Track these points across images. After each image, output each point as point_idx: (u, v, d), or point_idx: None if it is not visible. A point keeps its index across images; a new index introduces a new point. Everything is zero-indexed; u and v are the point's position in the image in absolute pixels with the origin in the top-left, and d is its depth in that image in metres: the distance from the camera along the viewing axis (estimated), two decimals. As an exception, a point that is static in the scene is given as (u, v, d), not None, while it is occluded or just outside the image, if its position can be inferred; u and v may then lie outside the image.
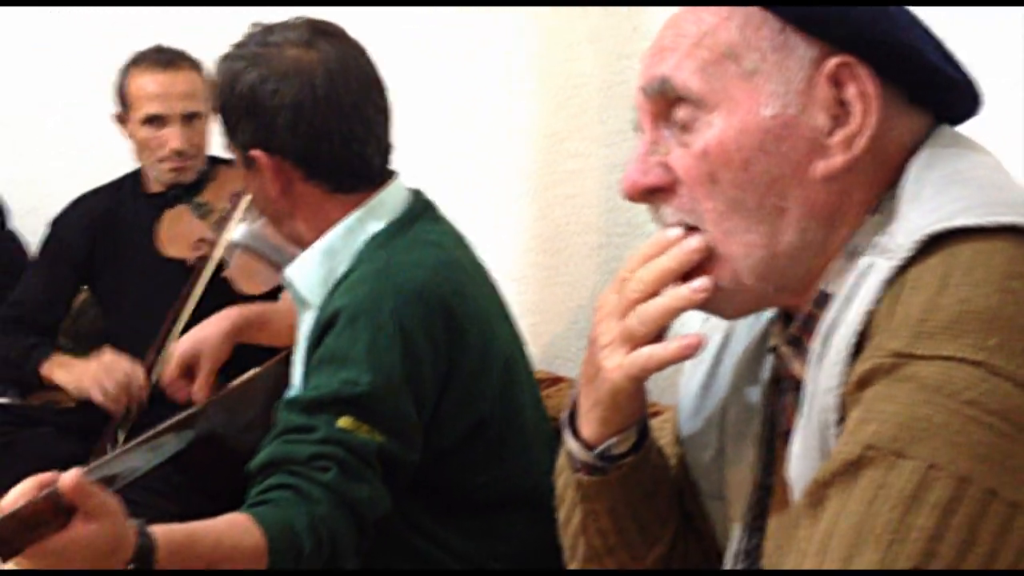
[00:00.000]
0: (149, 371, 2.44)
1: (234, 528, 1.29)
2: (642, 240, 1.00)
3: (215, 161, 2.64)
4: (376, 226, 1.55)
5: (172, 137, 2.55)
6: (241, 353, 2.17)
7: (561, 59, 2.26)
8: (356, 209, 1.56)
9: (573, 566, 1.07)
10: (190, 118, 2.57)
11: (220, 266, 2.47)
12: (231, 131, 1.51)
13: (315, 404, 1.41)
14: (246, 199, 2.41)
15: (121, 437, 2.46)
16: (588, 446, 0.99)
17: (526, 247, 2.40)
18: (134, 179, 2.74)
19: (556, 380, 2.14)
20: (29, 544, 1.09)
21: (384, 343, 1.43)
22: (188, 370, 2.07)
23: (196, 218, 2.64)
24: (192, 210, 2.65)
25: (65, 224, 2.73)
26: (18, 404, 2.79)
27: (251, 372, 1.89)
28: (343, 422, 1.40)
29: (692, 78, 0.88)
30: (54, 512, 1.12)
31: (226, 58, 1.53)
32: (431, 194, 1.69)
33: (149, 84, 2.56)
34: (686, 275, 0.90)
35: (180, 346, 1.90)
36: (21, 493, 1.13)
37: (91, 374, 2.45)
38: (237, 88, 1.47)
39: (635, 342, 0.92)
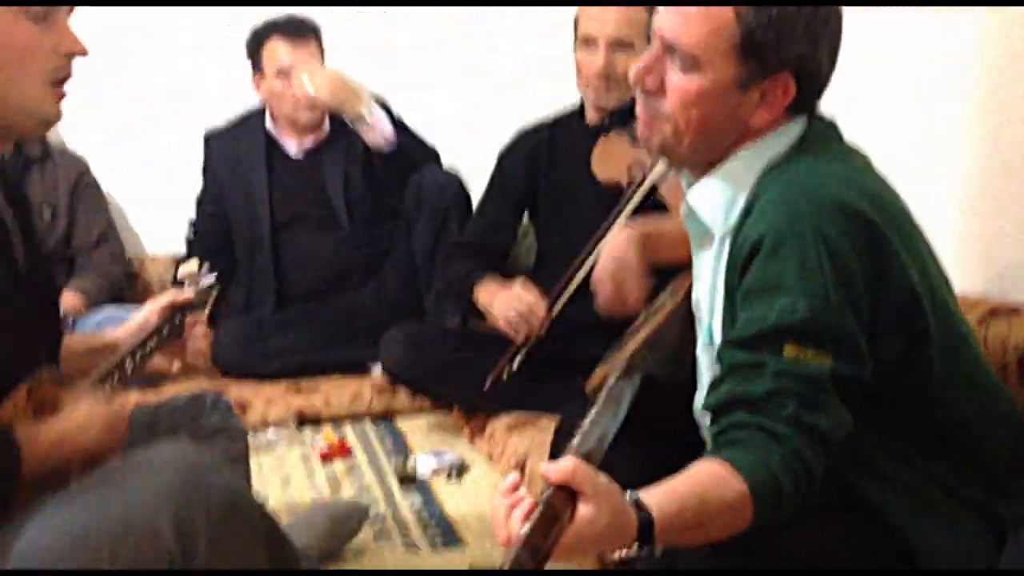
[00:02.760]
0: (552, 305, 2.58)
1: (715, 480, 1.29)
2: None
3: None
4: (774, 152, 1.49)
5: (596, 61, 2.64)
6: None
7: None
8: (769, 133, 1.49)
9: None
10: (618, 45, 2.61)
11: (652, 189, 2.50)
12: (763, 49, 1.44)
13: (756, 338, 1.38)
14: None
15: (515, 364, 2.62)
16: None
17: (972, 172, 2.26)
18: (575, 111, 2.87)
19: (1014, 311, 1.97)
20: (554, 548, 1.15)
21: (813, 264, 1.38)
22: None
23: (630, 143, 2.70)
24: (627, 136, 2.71)
25: (508, 158, 2.95)
26: (463, 331, 3.03)
27: (664, 305, 1.88)
28: (789, 352, 1.36)
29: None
30: (563, 508, 1.17)
31: None
32: (868, 117, 1.59)
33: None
34: None
35: (602, 268, 1.92)
36: (518, 510, 1.19)
37: (500, 303, 2.63)
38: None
39: None
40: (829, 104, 1.53)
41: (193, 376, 3.21)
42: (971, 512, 1.49)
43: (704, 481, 1.28)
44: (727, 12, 1.42)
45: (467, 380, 2.81)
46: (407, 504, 2.45)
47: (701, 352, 1.60)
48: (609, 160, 2.74)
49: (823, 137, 1.52)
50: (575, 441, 1.31)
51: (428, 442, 2.86)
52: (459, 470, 2.63)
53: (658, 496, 1.24)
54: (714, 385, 1.42)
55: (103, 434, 1.57)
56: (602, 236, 2.47)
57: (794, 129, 1.50)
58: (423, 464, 2.64)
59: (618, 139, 2.72)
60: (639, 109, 1.52)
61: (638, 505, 1.22)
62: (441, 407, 3.04)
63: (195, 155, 3.48)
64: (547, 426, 2.59)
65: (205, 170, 3.48)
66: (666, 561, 1.59)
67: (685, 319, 1.68)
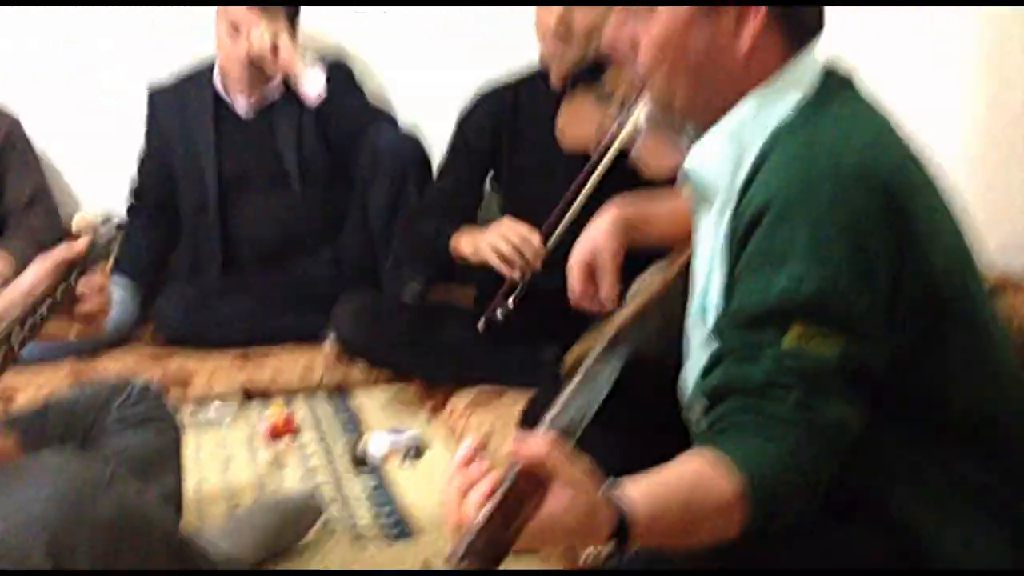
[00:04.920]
0: (546, 239, 2.41)
1: (704, 475, 1.11)
2: None
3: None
4: (785, 106, 1.31)
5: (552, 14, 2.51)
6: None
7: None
8: (772, 79, 1.32)
9: None
10: None
11: (622, 153, 2.36)
12: None
13: (757, 318, 1.21)
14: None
15: (511, 304, 2.43)
16: None
17: (973, 145, 2.13)
18: (536, 72, 2.71)
19: (1018, 285, 1.82)
20: (515, 538, 0.95)
21: (827, 233, 1.20)
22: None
23: (597, 104, 2.58)
24: (593, 95, 2.57)
25: (469, 121, 2.78)
26: (420, 304, 2.89)
27: (651, 279, 1.72)
28: (793, 334, 1.18)
29: None
30: (529, 493, 0.97)
31: None
32: (872, 69, 1.42)
33: None
34: None
35: (576, 255, 1.76)
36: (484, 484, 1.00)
37: (489, 238, 2.46)
38: None
39: None
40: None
41: (132, 345, 3.03)
42: (990, 512, 1.32)
43: (692, 476, 1.10)
44: None
45: (426, 352, 2.68)
46: (357, 490, 2.27)
47: (692, 327, 1.42)
48: (576, 122, 2.61)
49: (841, 93, 1.33)
50: (549, 415, 1.13)
51: (384, 419, 2.67)
52: (416, 451, 2.44)
53: (639, 490, 1.05)
54: (708, 369, 1.24)
55: None
56: (575, 194, 2.35)
57: (804, 79, 1.32)
58: (376, 444, 2.45)
59: (584, 99, 2.60)
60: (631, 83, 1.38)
61: (615, 499, 1.03)
62: (400, 380, 2.87)
63: (137, 111, 3.26)
64: (513, 402, 2.43)
65: (148, 127, 3.26)
66: (643, 563, 1.43)
67: (680, 294, 1.51)
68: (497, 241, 2.44)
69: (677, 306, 1.49)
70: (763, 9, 1.28)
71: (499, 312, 2.45)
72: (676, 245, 1.67)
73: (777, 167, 1.24)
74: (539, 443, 0.98)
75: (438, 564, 1.82)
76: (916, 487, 1.30)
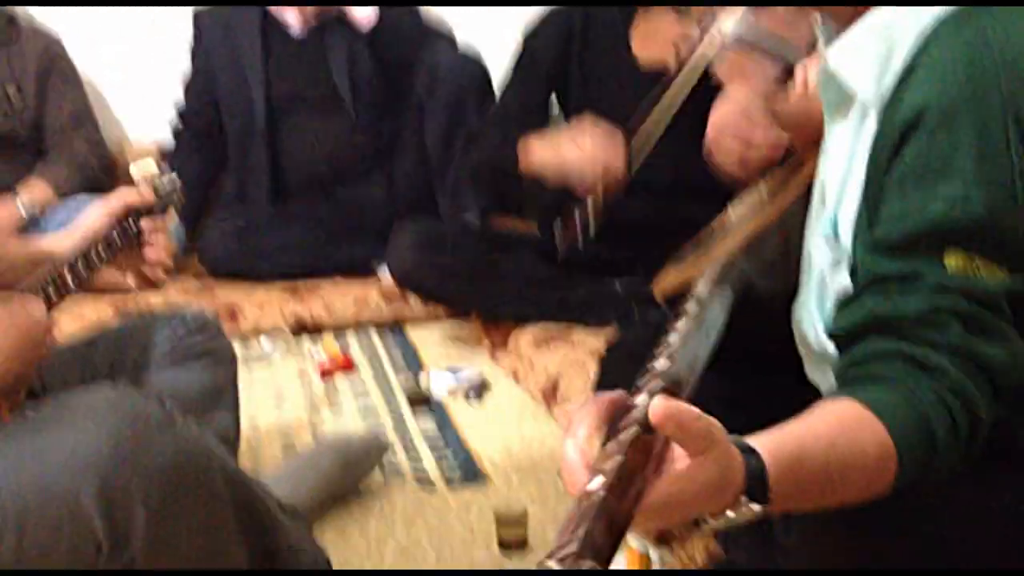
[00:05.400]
0: (629, 157, 2.23)
1: (847, 425, 0.95)
2: None
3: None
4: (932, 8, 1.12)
5: None
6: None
7: None
8: None
9: None
10: None
11: (706, 71, 2.18)
12: None
13: (910, 240, 1.04)
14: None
15: (592, 223, 2.26)
16: None
17: None
18: None
19: None
20: (633, 512, 0.78)
21: (998, 143, 1.02)
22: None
23: (674, 19, 2.40)
24: (670, 12, 2.41)
25: (536, 38, 2.58)
26: (488, 227, 2.74)
27: (759, 198, 1.54)
28: (953, 260, 1.02)
29: None
30: (646, 460, 0.81)
31: None
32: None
33: None
34: None
35: (721, 124, 1.60)
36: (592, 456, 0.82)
37: (570, 146, 2.25)
38: None
39: None
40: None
41: (176, 278, 2.90)
42: None
43: (832, 427, 0.94)
44: None
45: (487, 284, 2.51)
46: (420, 430, 2.14)
47: (814, 248, 1.25)
48: (652, 38, 2.44)
49: None
50: (659, 364, 0.97)
51: (443, 356, 2.53)
52: (478, 390, 2.30)
53: (772, 443, 0.89)
54: (847, 303, 1.08)
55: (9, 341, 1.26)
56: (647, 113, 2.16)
57: None
58: (438, 382, 2.31)
59: (660, 15, 2.42)
60: None
61: (745, 450, 0.87)
62: (458, 316, 2.72)
63: (183, 32, 3.11)
64: (581, 340, 2.28)
65: (194, 49, 3.11)
66: (758, 528, 1.28)
67: (796, 221, 1.34)
68: (580, 148, 2.23)
69: (797, 228, 1.32)
70: None
71: (578, 228, 2.28)
72: (796, 148, 1.50)
73: (937, 65, 1.06)
74: (662, 406, 0.82)
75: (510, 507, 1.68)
76: None
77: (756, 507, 0.86)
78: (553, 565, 0.68)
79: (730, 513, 0.86)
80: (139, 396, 1.25)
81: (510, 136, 2.45)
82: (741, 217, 1.48)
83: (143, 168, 1.71)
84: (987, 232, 1.02)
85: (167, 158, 3.06)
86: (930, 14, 1.11)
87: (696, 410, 0.82)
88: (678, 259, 1.53)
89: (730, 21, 2.07)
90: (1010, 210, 1.02)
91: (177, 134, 3.14)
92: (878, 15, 1.14)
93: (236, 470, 1.33)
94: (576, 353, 2.22)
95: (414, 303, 2.73)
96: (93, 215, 1.58)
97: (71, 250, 1.51)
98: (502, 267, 2.48)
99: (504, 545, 1.66)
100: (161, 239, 1.60)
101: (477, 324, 2.62)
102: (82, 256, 1.50)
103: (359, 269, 2.90)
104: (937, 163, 1.04)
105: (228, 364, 1.76)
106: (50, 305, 1.43)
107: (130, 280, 1.59)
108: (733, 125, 1.75)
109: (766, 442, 0.89)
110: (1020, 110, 1.02)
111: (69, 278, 1.48)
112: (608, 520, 0.73)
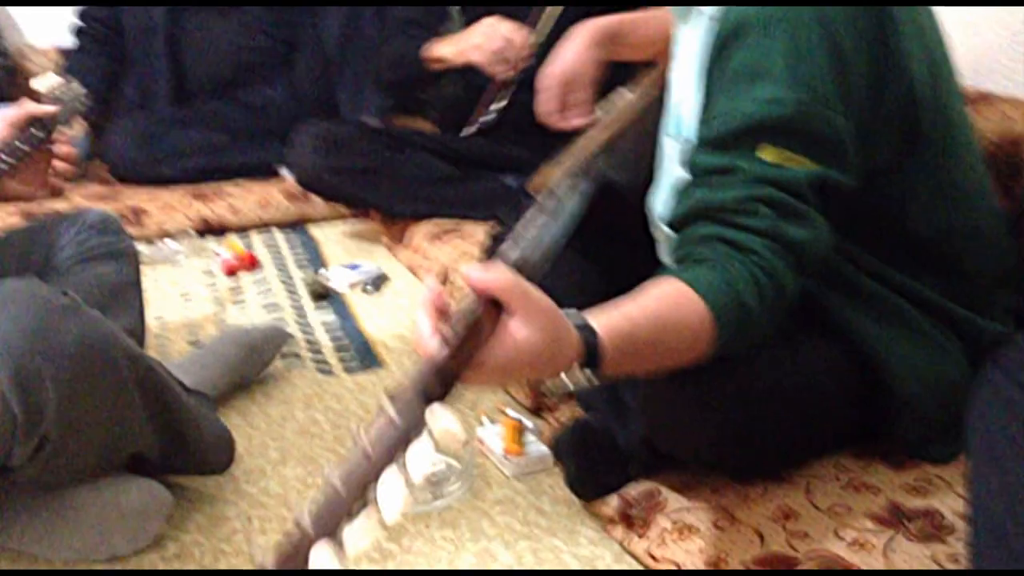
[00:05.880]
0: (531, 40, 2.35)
1: (673, 301, 1.09)
2: None
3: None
4: None
5: None
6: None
7: None
8: None
9: None
10: None
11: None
12: None
13: (730, 137, 1.17)
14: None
15: (499, 104, 2.36)
16: None
17: None
18: None
19: (983, 96, 1.79)
20: (466, 366, 0.92)
21: (807, 48, 1.16)
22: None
23: None
24: None
25: None
26: (388, 127, 2.79)
27: (622, 99, 1.66)
28: (766, 154, 1.15)
29: None
30: (483, 324, 0.93)
31: None
32: None
33: None
34: None
35: (548, 75, 1.69)
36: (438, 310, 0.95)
37: (473, 37, 2.38)
38: None
39: None
40: None
41: (80, 182, 2.94)
42: (948, 331, 1.33)
43: (660, 302, 1.08)
44: None
45: (386, 183, 2.58)
46: (321, 323, 2.25)
47: (665, 141, 1.39)
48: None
49: None
50: (507, 245, 1.09)
51: (343, 254, 2.64)
52: (377, 283, 2.42)
53: (605, 316, 1.03)
54: (680, 194, 1.21)
55: None
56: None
57: None
58: (337, 277, 2.43)
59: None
60: None
61: (581, 326, 1.01)
62: (360, 215, 2.82)
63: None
64: (472, 233, 2.40)
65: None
66: (609, 391, 1.43)
67: (653, 120, 1.46)
68: (482, 39, 2.35)
69: (653, 125, 1.45)
70: None
71: (491, 112, 2.37)
72: (656, 60, 1.62)
73: (761, 20, 1.19)
74: (494, 273, 0.94)
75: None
76: (875, 307, 1.30)
77: (588, 372, 1.00)
78: (387, 405, 0.83)
79: (564, 376, 1.00)
80: (44, 286, 1.34)
81: (414, 33, 2.52)
82: (606, 117, 1.60)
83: (46, 80, 1.75)
84: (796, 128, 1.15)
85: (68, 58, 3.08)
86: None
87: (524, 280, 0.94)
88: (555, 156, 1.66)
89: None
90: (818, 110, 1.15)
91: (79, 32, 3.13)
92: None
93: (140, 354, 1.44)
94: (466, 245, 2.34)
95: (317, 203, 2.82)
96: None
97: None
98: (399, 166, 2.56)
99: (396, 423, 1.79)
100: (64, 149, 1.63)
101: (376, 221, 2.73)
102: None
103: (263, 171, 2.97)
104: (753, 66, 1.17)
105: (130, 263, 1.84)
106: None
107: (34, 189, 1.64)
108: (558, 73, 1.76)
109: (600, 317, 1.03)
110: (827, 17, 1.16)
111: None
112: (441, 373, 0.87)
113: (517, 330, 0.94)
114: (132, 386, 1.37)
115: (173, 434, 1.47)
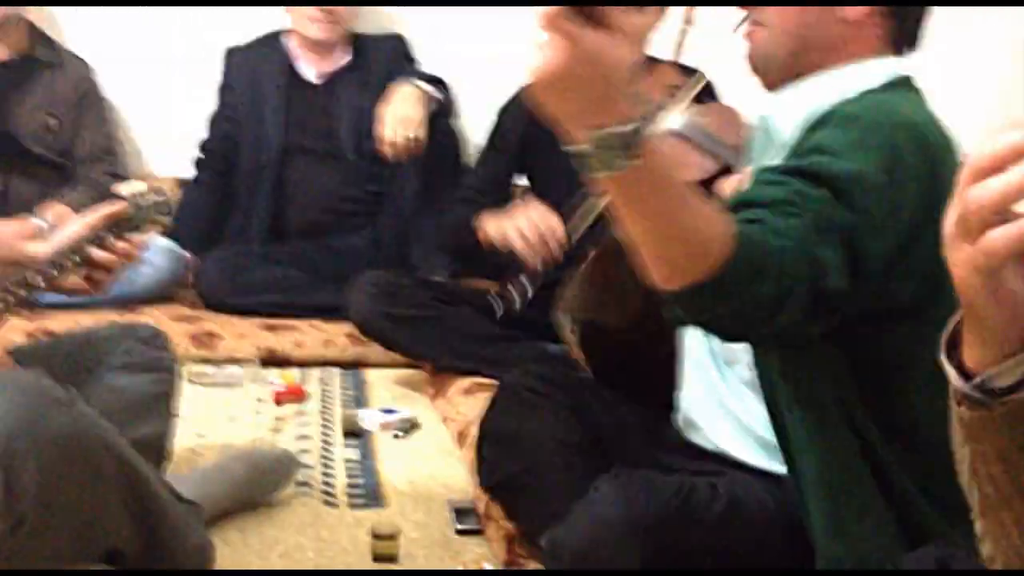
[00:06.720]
0: (568, 237, 2.46)
1: (713, 207, 1.17)
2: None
3: (652, 60, 2.56)
4: (860, 85, 1.46)
5: None
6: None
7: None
8: (858, 64, 1.48)
9: (973, 514, 0.86)
10: None
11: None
12: None
13: (789, 170, 1.32)
14: (686, 91, 2.38)
15: (529, 290, 2.50)
16: (967, 375, 0.80)
17: None
18: None
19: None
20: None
21: (872, 143, 1.32)
22: None
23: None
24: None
25: (508, 113, 2.85)
26: (446, 282, 2.98)
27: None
28: (819, 191, 1.28)
29: None
30: None
31: None
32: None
33: None
34: None
35: None
36: None
37: (516, 220, 2.52)
38: None
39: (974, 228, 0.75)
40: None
41: (170, 305, 3.14)
42: (888, 492, 1.40)
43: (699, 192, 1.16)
44: None
45: (435, 335, 2.72)
46: (343, 458, 2.38)
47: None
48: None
49: (905, 84, 1.50)
50: None
51: (388, 396, 2.78)
52: (406, 428, 2.55)
53: (656, 143, 1.07)
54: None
55: None
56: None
57: (885, 68, 1.48)
58: (371, 418, 2.56)
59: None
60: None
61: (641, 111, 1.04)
62: (414, 364, 2.97)
63: (210, 73, 3.38)
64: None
65: (223, 86, 3.39)
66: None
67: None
68: (523, 224, 2.49)
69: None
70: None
71: (516, 293, 2.50)
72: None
73: (838, 119, 1.37)
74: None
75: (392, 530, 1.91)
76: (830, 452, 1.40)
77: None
78: None
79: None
80: (47, 379, 1.51)
81: (473, 210, 2.70)
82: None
83: (132, 186, 1.82)
84: (843, 184, 1.28)
85: (183, 189, 3.35)
86: (846, 92, 1.43)
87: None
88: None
89: (675, 117, 2.33)
90: (867, 184, 1.28)
91: (199, 163, 3.40)
92: (813, 81, 1.47)
93: (130, 457, 1.58)
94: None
95: (376, 348, 2.97)
96: (74, 224, 1.69)
97: (49, 255, 1.66)
98: (448, 319, 2.69)
99: (376, 557, 1.89)
100: (125, 247, 1.69)
101: (427, 372, 2.86)
102: (55, 261, 1.65)
103: (333, 312, 3.11)
104: (823, 144, 1.33)
105: (167, 377, 1.99)
106: (19, 301, 1.66)
107: (70, 285, 1.70)
108: None
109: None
110: (896, 141, 1.33)
111: (36, 281, 1.66)
112: None
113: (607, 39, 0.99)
114: (112, 483, 1.51)
115: (150, 535, 1.60)
